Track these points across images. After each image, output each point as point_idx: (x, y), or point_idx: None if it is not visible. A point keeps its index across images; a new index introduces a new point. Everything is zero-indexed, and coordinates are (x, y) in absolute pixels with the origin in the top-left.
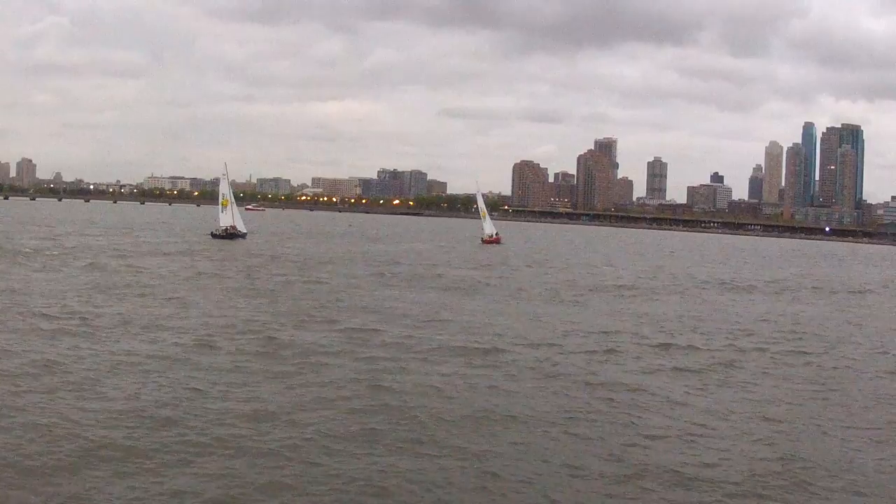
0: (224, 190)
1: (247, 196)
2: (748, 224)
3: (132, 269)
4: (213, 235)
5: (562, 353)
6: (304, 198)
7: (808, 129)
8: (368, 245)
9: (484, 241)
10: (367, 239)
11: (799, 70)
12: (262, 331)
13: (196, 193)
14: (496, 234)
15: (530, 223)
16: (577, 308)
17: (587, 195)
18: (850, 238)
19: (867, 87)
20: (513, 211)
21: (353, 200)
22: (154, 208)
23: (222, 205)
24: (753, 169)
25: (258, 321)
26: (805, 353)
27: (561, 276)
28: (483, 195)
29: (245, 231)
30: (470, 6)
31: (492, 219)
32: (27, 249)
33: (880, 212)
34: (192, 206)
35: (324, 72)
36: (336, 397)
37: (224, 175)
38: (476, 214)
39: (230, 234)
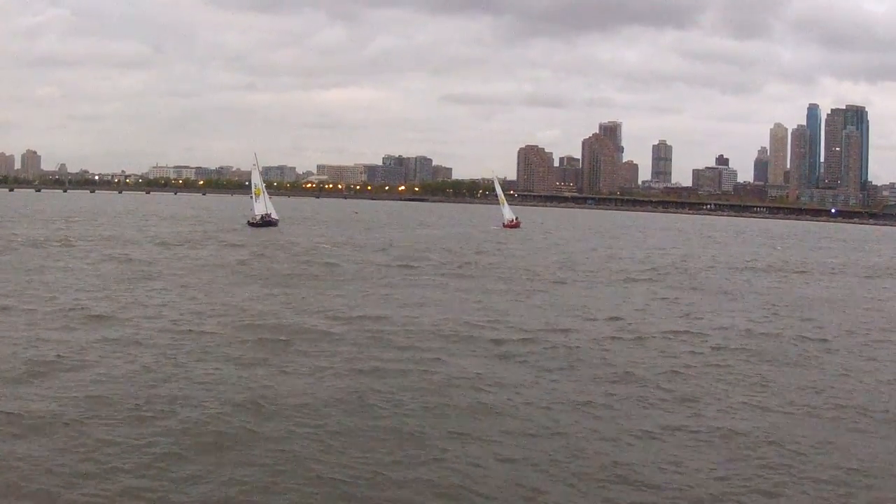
0: (256, 180)
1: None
2: (754, 206)
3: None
4: (250, 223)
5: None
6: (309, 185)
7: (813, 110)
8: (418, 231)
9: (504, 226)
10: (411, 226)
11: (800, 52)
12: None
13: (201, 182)
14: (516, 218)
15: (536, 207)
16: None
17: (592, 179)
18: (856, 219)
19: (869, 69)
20: (518, 195)
21: (358, 187)
22: (161, 198)
23: (255, 194)
24: (758, 151)
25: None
26: None
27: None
28: (489, 180)
29: (277, 218)
30: None
31: (498, 203)
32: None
33: (885, 193)
34: (198, 195)
35: (326, 60)
36: None
37: (255, 165)
38: (482, 200)
39: (266, 222)
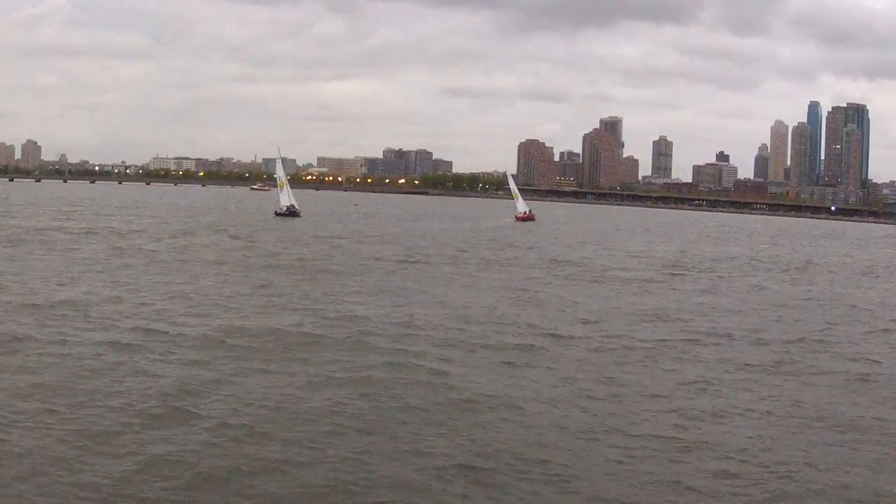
0: (280, 173)
1: (253, 176)
2: (754, 203)
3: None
4: (277, 214)
5: None
6: (309, 177)
7: (814, 108)
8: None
9: (518, 219)
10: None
11: (799, 49)
12: None
13: (202, 174)
14: (529, 210)
15: (536, 202)
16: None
17: (593, 174)
18: (856, 217)
19: (868, 66)
20: (518, 190)
21: (358, 180)
22: (161, 189)
23: (280, 186)
24: (759, 148)
25: None
26: None
27: None
28: (489, 174)
29: (299, 209)
30: None
31: (498, 198)
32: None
33: (886, 191)
34: (198, 187)
35: (325, 52)
36: None
37: (279, 159)
38: (482, 194)
39: (291, 213)
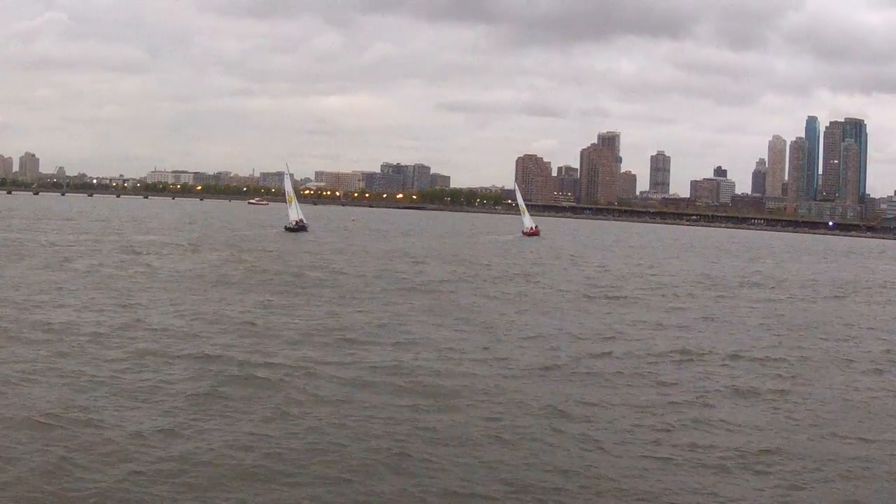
0: (288, 188)
1: (251, 190)
2: (751, 218)
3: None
4: (287, 228)
5: None
6: (307, 192)
7: (812, 123)
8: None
9: (524, 234)
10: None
11: (796, 63)
12: None
13: (199, 188)
14: (535, 226)
15: (534, 217)
16: None
17: (590, 189)
18: (854, 232)
19: (864, 81)
20: (515, 205)
21: (356, 194)
22: (161, 203)
23: (288, 201)
24: (757, 163)
25: None
26: None
27: None
28: (487, 189)
29: (307, 224)
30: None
31: (496, 213)
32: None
33: (883, 206)
34: (196, 201)
35: (323, 66)
36: None
37: (286, 174)
38: (480, 209)
39: (300, 227)
